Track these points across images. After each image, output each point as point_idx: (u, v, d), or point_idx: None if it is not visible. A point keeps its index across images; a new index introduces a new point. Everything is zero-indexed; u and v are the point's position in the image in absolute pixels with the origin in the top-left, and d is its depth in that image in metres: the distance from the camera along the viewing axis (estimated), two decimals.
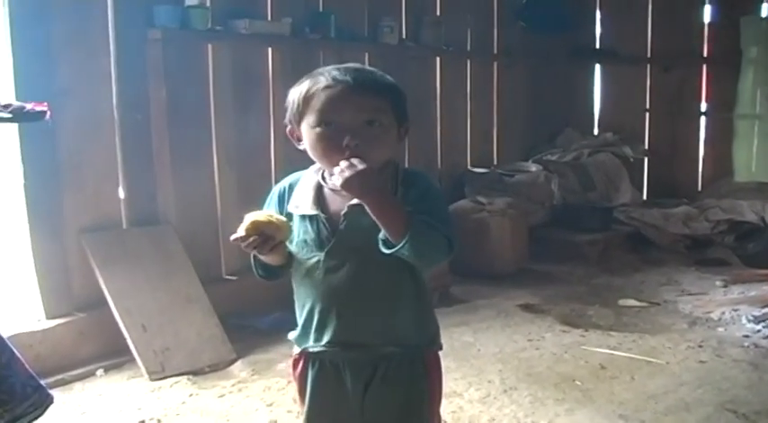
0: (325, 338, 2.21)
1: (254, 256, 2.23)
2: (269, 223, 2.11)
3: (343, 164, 2.03)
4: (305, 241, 2.20)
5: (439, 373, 2.32)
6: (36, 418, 2.74)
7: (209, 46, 5.17)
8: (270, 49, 5.57)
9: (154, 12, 4.76)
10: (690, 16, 8.10)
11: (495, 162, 7.92)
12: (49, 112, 2.80)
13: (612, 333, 4.97)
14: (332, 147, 2.11)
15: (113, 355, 4.39)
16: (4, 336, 2.70)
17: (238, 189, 5.27)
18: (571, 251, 6.94)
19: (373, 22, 6.38)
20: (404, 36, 6.68)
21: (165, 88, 4.86)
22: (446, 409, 3.80)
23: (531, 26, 7.95)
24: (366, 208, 2.05)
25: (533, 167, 7.65)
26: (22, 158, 4.27)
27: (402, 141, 2.27)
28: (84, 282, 4.48)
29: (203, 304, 4.65)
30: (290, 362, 2.36)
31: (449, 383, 4.12)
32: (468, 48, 7.57)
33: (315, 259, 2.19)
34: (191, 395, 4.00)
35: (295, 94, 2.21)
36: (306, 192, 2.25)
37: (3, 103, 2.62)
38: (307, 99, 2.16)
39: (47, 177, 4.37)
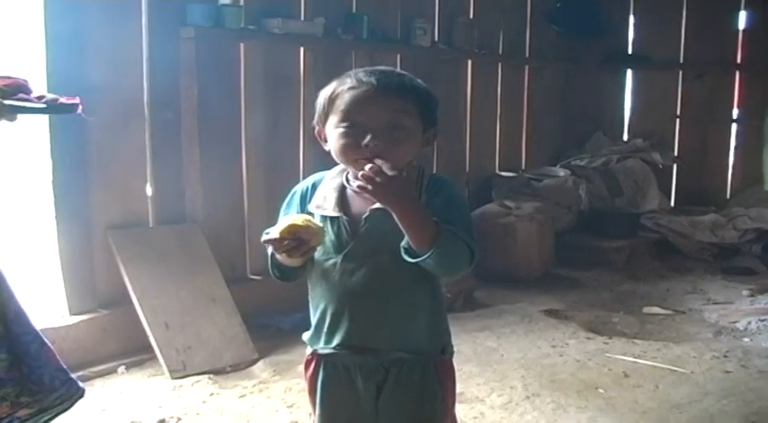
0: (336, 341, 2.21)
1: (272, 256, 2.22)
2: (306, 228, 2.09)
3: (369, 167, 2.02)
4: (324, 243, 2.19)
5: (452, 379, 2.31)
6: (63, 411, 2.77)
7: (242, 45, 5.17)
8: (302, 50, 5.56)
9: (187, 10, 4.77)
10: (725, 22, 8.02)
11: (524, 166, 7.90)
12: (81, 106, 2.82)
13: (637, 341, 4.95)
14: (353, 146, 2.12)
15: (135, 352, 4.41)
16: (36, 327, 2.73)
17: (266, 190, 5.28)
18: (597, 257, 6.92)
19: (406, 23, 6.36)
20: (436, 38, 6.66)
21: (196, 87, 4.87)
22: (468, 414, 3.80)
23: (564, 30, 7.92)
24: (392, 214, 2.04)
25: (561, 172, 7.63)
26: (51, 154, 4.29)
27: (428, 146, 2.27)
28: (108, 279, 4.50)
29: (227, 304, 4.66)
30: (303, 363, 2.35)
31: (470, 388, 4.12)
32: (500, 51, 7.55)
33: (332, 261, 2.19)
34: (211, 394, 4.01)
35: (323, 95, 2.23)
36: (328, 193, 2.25)
37: (36, 95, 2.64)
38: (332, 99, 2.18)
39: (75, 173, 4.39)
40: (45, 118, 4.21)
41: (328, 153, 2.23)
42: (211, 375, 4.25)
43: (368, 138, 2.09)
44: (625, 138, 8.57)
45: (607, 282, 6.49)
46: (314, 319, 2.28)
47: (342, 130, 2.14)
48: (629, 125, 8.66)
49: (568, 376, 4.35)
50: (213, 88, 4.97)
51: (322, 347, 2.25)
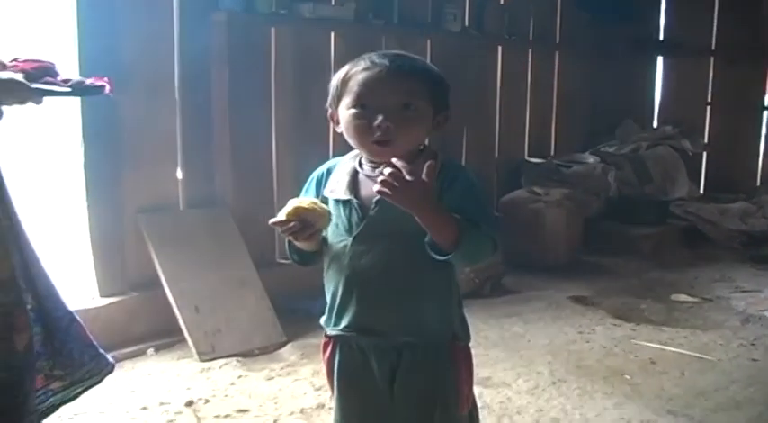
0: (344, 323, 2.23)
1: (290, 241, 2.24)
2: (312, 211, 2.12)
3: (388, 172, 1.99)
4: (336, 225, 2.22)
5: (467, 366, 2.29)
6: (93, 384, 2.83)
7: (273, 29, 5.19)
8: (332, 34, 5.58)
9: None
10: (757, 7, 7.93)
11: (553, 152, 7.88)
12: (108, 87, 2.85)
13: (664, 328, 4.95)
14: (364, 126, 2.13)
15: (164, 334, 4.45)
16: (67, 303, 2.77)
17: (295, 174, 5.27)
18: (625, 244, 6.91)
19: (436, 8, 6.34)
20: (466, 23, 6.63)
21: (227, 71, 4.89)
22: (494, 399, 3.82)
23: (595, 15, 7.88)
24: (417, 216, 2.03)
25: (591, 159, 7.60)
26: (83, 137, 4.34)
27: (439, 129, 2.27)
28: (138, 261, 4.54)
29: (256, 287, 4.69)
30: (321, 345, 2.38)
31: (497, 373, 4.14)
32: (531, 37, 7.52)
33: (343, 243, 2.20)
34: (239, 377, 4.05)
35: (336, 77, 2.24)
36: (342, 177, 2.26)
37: (63, 78, 2.67)
38: (345, 81, 2.19)
39: (106, 156, 4.43)
40: (77, 102, 4.26)
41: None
42: (240, 358, 4.28)
43: (379, 118, 2.10)
44: (655, 125, 8.53)
45: (635, 269, 6.48)
46: (327, 301, 2.30)
47: (354, 111, 2.15)
48: (658, 112, 8.62)
49: (595, 362, 4.36)
50: (244, 72, 4.98)
51: (331, 329, 2.27)
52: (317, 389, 3.88)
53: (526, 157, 7.56)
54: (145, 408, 3.68)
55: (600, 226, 7.05)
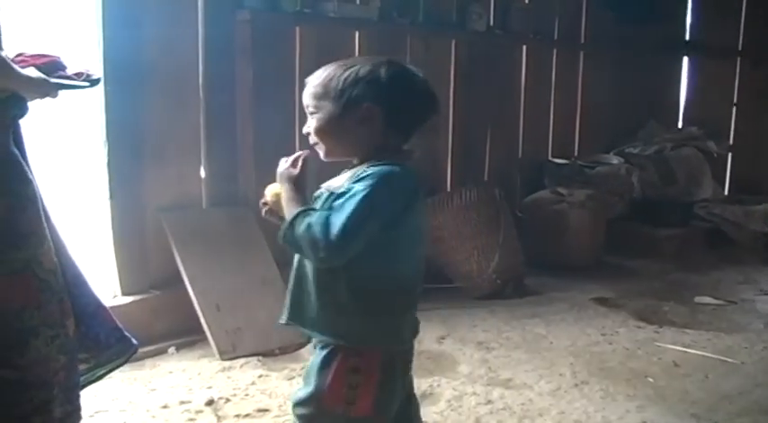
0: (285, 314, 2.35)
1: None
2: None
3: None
4: None
5: (341, 368, 2.26)
6: (119, 365, 2.90)
7: (297, 28, 5.18)
8: (357, 33, 5.57)
9: None
10: None
11: (576, 153, 7.84)
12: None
13: (687, 330, 4.92)
14: None
15: (185, 333, 4.45)
16: (93, 290, 2.81)
17: (318, 174, 5.26)
18: (648, 246, 6.88)
19: (462, 7, 6.30)
20: (491, 23, 6.58)
21: (251, 70, 4.89)
22: (516, 400, 3.82)
23: (621, 15, 7.83)
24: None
25: (614, 160, 7.58)
26: (107, 135, 4.35)
27: (367, 124, 2.24)
28: (161, 260, 4.54)
29: (278, 287, 4.68)
30: None
31: (519, 375, 4.13)
32: (556, 36, 7.48)
33: None
34: (260, 376, 4.04)
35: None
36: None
37: (74, 72, 2.69)
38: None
39: (130, 155, 4.44)
40: (100, 100, 4.28)
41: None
42: (260, 357, 4.28)
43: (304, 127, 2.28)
44: (679, 125, 8.49)
45: (658, 271, 6.45)
46: None
47: None
48: (683, 112, 8.58)
49: (617, 364, 4.34)
50: (268, 72, 4.98)
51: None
52: None
53: (549, 158, 7.52)
54: (165, 406, 3.67)
55: (623, 227, 7.01)
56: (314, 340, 2.32)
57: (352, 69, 2.24)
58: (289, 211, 2.18)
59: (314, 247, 2.09)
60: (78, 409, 2.47)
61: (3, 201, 2.26)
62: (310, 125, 2.27)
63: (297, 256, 2.28)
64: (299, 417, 2.33)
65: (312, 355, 2.33)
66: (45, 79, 2.49)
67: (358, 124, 2.23)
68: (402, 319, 2.32)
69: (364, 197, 2.09)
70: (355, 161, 2.26)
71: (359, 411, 2.26)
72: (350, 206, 2.08)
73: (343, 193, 2.12)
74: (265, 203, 2.37)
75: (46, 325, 2.34)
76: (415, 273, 2.32)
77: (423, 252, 2.35)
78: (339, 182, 2.24)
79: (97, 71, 2.89)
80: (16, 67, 2.38)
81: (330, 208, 2.11)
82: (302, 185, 2.23)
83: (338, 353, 2.24)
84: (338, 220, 2.06)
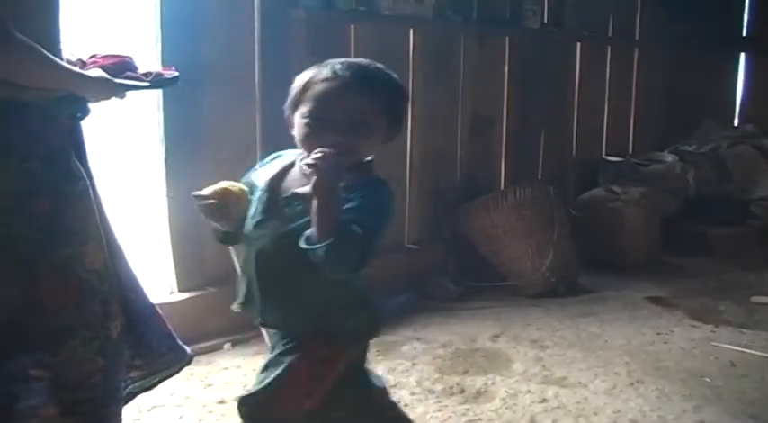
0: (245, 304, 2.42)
1: None
2: (237, 198, 2.27)
3: (319, 153, 2.09)
4: (249, 211, 2.31)
5: (318, 362, 2.34)
6: (170, 375, 2.89)
7: (352, 26, 5.20)
8: (411, 31, 5.55)
9: None
10: None
11: (631, 151, 7.80)
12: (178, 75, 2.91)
13: (744, 330, 4.87)
14: (315, 137, 2.18)
15: (241, 329, 4.46)
16: (147, 294, 2.83)
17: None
18: (703, 244, 6.81)
19: (516, 4, 6.25)
20: (545, 20, 6.55)
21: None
22: (570, 399, 3.81)
23: (676, 11, 7.76)
24: (314, 201, 2.08)
25: (669, 158, 7.51)
26: (164, 133, 4.39)
27: (389, 141, 2.35)
28: (217, 257, 4.55)
29: None
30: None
31: (573, 373, 4.13)
32: (610, 33, 7.44)
33: (248, 230, 2.32)
34: None
35: (297, 82, 2.31)
36: (274, 168, 2.37)
37: (143, 72, 2.72)
38: (305, 89, 2.25)
39: (187, 152, 4.47)
40: (158, 98, 4.33)
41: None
42: None
43: (331, 134, 2.15)
44: (735, 123, 8.41)
45: (713, 269, 6.38)
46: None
47: (308, 121, 2.20)
48: (739, 110, 8.49)
49: (673, 364, 4.31)
50: None
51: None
52: (393, 386, 3.89)
53: (603, 156, 7.48)
54: (222, 402, 3.72)
55: (678, 225, 6.95)
56: (277, 335, 2.38)
57: (397, 83, 2.34)
58: (334, 215, 2.09)
59: (354, 265, 2.12)
60: (118, 412, 2.47)
61: (49, 200, 2.27)
62: (348, 134, 2.18)
63: (260, 252, 2.28)
64: (249, 412, 2.39)
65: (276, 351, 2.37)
66: (108, 80, 2.51)
67: (388, 139, 2.37)
68: (371, 313, 2.44)
69: (387, 212, 2.25)
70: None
71: (313, 405, 2.34)
72: (378, 221, 2.17)
73: (365, 206, 2.16)
74: (206, 198, 2.29)
75: (85, 325, 2.33)
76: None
77: None
78: (266, 175, 2.35)
79: (172, 72, 2.90)
80: (74, 67, 2.40)
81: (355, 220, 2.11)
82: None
83: (306, 345, 2.32)
84: (371, 237, 2.11)
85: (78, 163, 2.42)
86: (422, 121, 5.60)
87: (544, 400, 3.80)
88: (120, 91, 2.57)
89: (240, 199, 2.26)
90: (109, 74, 2.52)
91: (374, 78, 2.26)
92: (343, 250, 2.06)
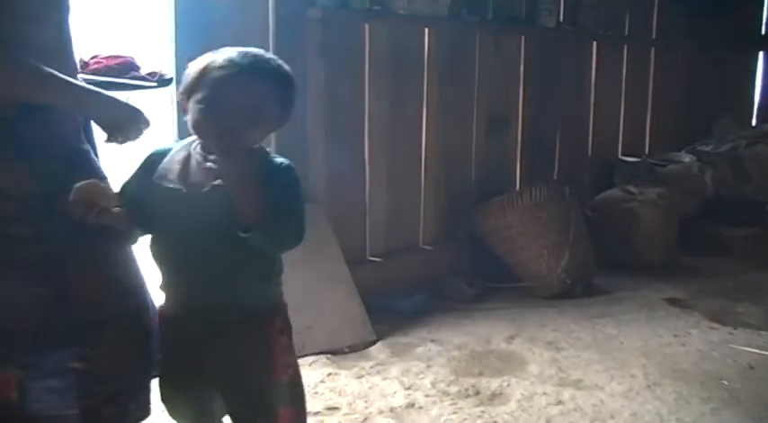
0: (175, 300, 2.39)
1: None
2: (94, 191, 2.18)
3: (221, 146, 2.17)
4: (161, 210, 2.29)
5: (285, 335, 2.48)
6: None
7: (367, 26, 5.17)
8: (426, 30, 5.52)
9: None
10: None
11: (647, 151, 7.75)
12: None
13: (762, 332, 4.82)
14: (210, 123, 2.19)
15: None
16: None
17: (387, 172, 5.29)
18: (721, 245, 6.76)
19: (531, 2, 6.21)
20: (561, 19, 6.52)
21: (322, 68, 4.88)
22: (587, 401, 3.78)
23: (693, 9, 7.72)
24: (231, 192, 2.16)
25: (686, 158, 7.46)
26: (178, 134, 4.35)
27: (278, 128, 2.41)
28: None
29: (347, 284, 4.69)
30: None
31: (589, 375, 4.10)
32: (626, 32, 7.40)
33: (164, 226, 2.31)
34: (329, 374, 4.05)
35: (192, 68, 2.28)
36: (173, 165, 2.32)
37: (147, 72, 2.71)
38: (201, 75, 2.23)
39: None
40: (173, 97, 4.30)
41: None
42: (329, 355, 4.29)
43: (226, 118, 2.17)
44: (753, 123, 8.35)
45: (731, 271, 6.33)
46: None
47: (203, 107, 2.19)
48: (758, 109, 8.44)
49: (691, 366, 4.27)
50: (339, 70, 4.99)
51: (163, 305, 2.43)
52: (407, 388, 3.88)
53: (620, 156, 7.44)
54: None
55: (695, 226, 6.90)
56: (223, 321, 2.35)
57: (288, 72, 2.36)
58: (258, 200, 2.18)
59: (294, 239, 2.28)
60: (148, 402, 2.50)
61: None
62: (242, 119, 2.20)
63: (192, 245, 2.29)
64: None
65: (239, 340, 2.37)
66: (127, 105, 2.50)
67: (279, 124, 2.40)
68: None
69: (297, 188, 2.36)
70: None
71: (296, 374, 2.50)
72: (300, 205, 2.32)
73: (283, 185, 2.27)
74: (94, 205, 2.19)
75: (118, 318, 2.37)
76: None
77: None
78: (170, 173, 2.31)
79: (168, 71, 2.91)
80: (88, 86, 2.39)
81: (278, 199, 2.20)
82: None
83: (265, 320, 2.42)
84: (298, 214, 2.28)
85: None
86: (437, 121, 5.59)
87: (560, 403, 3.77)
88: (142, 118, 2.55)
89: (104, 195, 2.23)
90: (114, 74, 2.52)
91: (267, 67, 2.28)
92: (280, 229, 2.21)
